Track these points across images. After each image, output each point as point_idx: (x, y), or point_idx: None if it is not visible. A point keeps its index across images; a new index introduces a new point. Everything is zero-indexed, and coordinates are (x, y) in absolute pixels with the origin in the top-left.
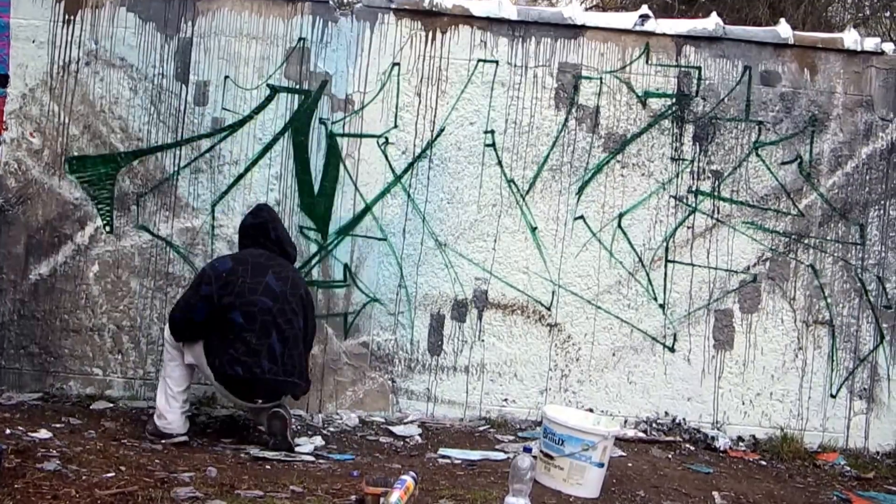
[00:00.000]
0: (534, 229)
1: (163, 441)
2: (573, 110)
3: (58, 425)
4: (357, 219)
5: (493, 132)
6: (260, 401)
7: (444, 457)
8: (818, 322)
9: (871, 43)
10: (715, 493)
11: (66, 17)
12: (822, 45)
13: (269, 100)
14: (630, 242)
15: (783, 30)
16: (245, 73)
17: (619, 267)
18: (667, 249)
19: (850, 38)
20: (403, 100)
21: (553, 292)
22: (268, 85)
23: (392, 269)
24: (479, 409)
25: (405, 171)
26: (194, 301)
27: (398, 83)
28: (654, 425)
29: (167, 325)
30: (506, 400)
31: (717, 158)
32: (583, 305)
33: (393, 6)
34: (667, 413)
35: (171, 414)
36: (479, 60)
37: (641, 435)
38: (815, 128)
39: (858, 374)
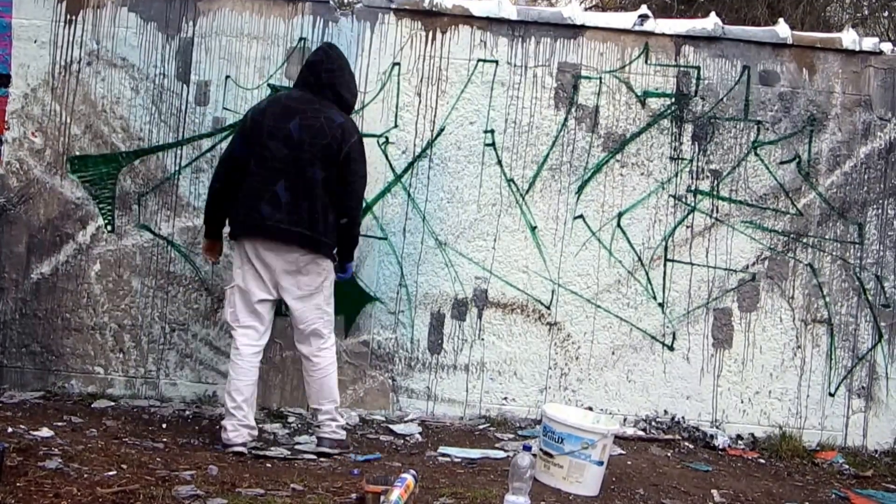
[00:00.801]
0: (533, 228)
1: (227, 449)
2: (573, 110)
3: (59, 424)
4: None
5: (492, 132)
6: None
7: (444, 455)
8: (817, 321)
9: (869, 43)
10: (714, 491)
11: (68, 17)
12: (821, 44)
13: None
14: (629, 241)
15: (782, 30)
16: (246, 72)
17: (619, 266)
18: (666, 248)
19: (849, 37)
20: (403, 99)
21: (553, 291)
22: (269, 85)
23: (392, 268)
24: (479, 408)
25: (405, 170)
26: (234, 139)
27: (398, 83)
28: (653, 423)
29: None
30: (505, 398)
31: (715, 158)
32: (582, 304)
33: (393, 6)
34: (666, 411)
35: (230, 426)
36: (478, 60)
37: (641, 433)
38: (813, 127)
39: (857, 373)
